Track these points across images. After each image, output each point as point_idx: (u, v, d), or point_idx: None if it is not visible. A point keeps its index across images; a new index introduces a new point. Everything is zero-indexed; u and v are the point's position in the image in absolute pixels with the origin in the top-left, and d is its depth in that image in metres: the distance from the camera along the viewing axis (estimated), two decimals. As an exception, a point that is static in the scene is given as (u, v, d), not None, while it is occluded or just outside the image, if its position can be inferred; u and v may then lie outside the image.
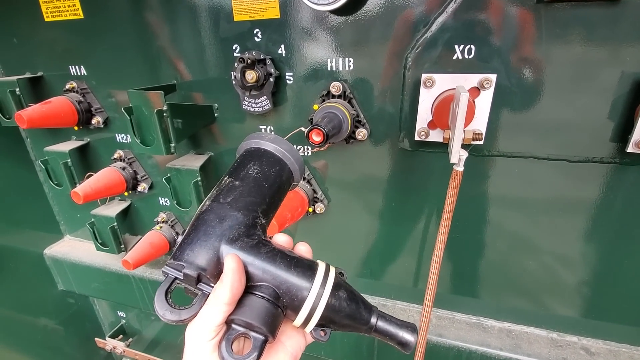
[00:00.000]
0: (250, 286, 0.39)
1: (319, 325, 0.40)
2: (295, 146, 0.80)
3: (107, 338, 1.30)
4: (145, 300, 1.12)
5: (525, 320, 0.80)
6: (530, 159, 0.67)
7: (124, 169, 0.96)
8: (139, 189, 0.98)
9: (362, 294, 0.87)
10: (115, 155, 0.97)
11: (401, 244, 0.83)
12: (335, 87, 0.70)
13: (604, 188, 0.66)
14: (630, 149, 0.58)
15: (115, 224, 0.99)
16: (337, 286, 0.40)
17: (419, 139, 0.68)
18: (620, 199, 0.66)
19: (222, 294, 0.37)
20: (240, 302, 0.38)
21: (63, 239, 1.24)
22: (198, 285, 0.39)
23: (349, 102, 0.71)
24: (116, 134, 0.97)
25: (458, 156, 0.54)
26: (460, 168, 0.58)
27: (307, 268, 0.40)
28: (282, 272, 0.39)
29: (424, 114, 0.66)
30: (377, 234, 0.84)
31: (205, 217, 0.42)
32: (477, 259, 0.79)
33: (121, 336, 1.32)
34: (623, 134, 0.60)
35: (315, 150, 0.77)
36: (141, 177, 0.98)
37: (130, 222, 1.09)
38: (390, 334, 0.42)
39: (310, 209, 0.83)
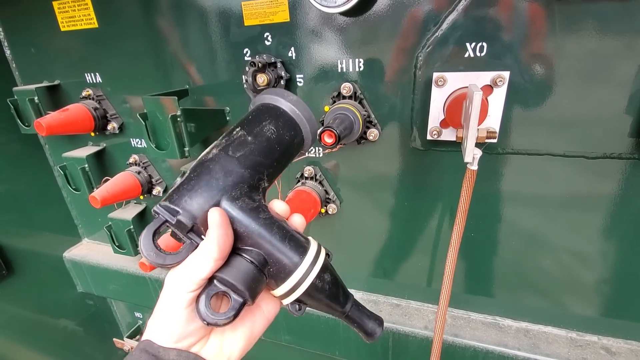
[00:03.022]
0: (240, 248, 0.38)
1: (297, 300, 0.41)
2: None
3: (125, 338, 1.33)
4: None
5: (543, 319, 0.79)
6: (546, 156, 0.66)
7: (139, 173, 0.98)
8: (154, 192, 1.00)
9: (376, 294, 0.88)
10: (131, 160, 0.99)
11: (414, 243, 0.83)
12: (346, 88, 0.70)
13: (623, 184, 0.64)
14: (650, 144, 0.57)
15: (132, 227, 1.01)
16: (324, 268, 0.41)
17: (431, 138, 0.67)
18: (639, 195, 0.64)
19: (211, 249, 0.36)
20: (228, 262, 0.37)
21: (81, 242, 1.27)
22: (188, 234, 0.38)
23: (360, 102, 0.71)
24: (131, 139, 0.99)
25: (472, 155, 0.53)
26: (475, 167, 0.57)
27: (300, 244, 0.41)
28: (276, 242, 0.39)
29: (435, 113, 0.66)
30: (390, 234, 0.84)
31: (210, 166, 0.40)
32: (493, 258, 0.79)
33: (138, 337, 1.35)
34: (641, 129, 0.59)
35: (327, 151, 0.78)
36: (156, 181, 1.00)
37: (142, 227, 1.11)
38: (359, 323, 0.44)
39: (323, 210, 0.83)
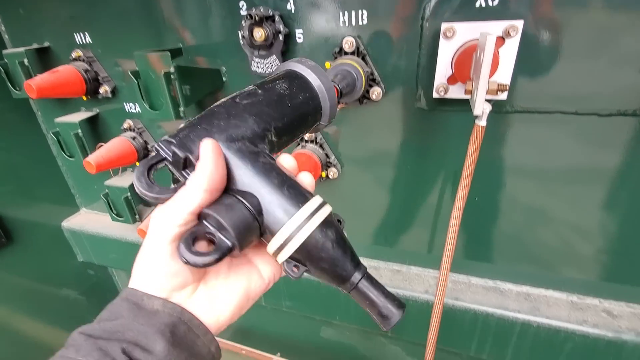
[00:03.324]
0: (236, 190, 0.36)
1: (296, 259, 0.37)
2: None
3: (127, 307, 1.35)
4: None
5: (544, 283, 0.79)
6: (557, 115, 0.63)
7: (134, 138, 0.95)
8: (150, 159, 0.98)
9: (377, 260, 0.86)
10: (125, 125, 0.96)
11: (416, 209, 0.82)
12: (348, 43, 0.67)
13: (634, 145, 0.62)
14: (669, 98, 0.54)
15: (129, 194, 0.99)
16: (327, 224, 0.37)
17: (437, 96, 0.64)
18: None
19: (198, 178, 0.33)
20: (219, 200, 0.35)
21: (79, 212, 1.26)
22: (183, 171, 0.36)
23: (363, 59, 0.68)
24: (124, 103, 0.95)
25: (482, 108, 0.51)
26: (483, 123, 0.55)
27: (300, 194, 0.37)
28: (273, 187, 0.36)
29: (443, 69, 0.62)
30: (392, 199, 0.82)
31: (214, 109, 0.39)
32: (495, 224, 0.77)
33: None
34: (660, 84, 0.56)
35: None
36: (152, 147, 0.97)
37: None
38: (372, 300, 0.37)
39: (323, 174, 0.81)
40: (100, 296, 1.40)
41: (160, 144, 0.36)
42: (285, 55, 0.72)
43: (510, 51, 0.58)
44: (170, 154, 0.35)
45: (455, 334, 0.82)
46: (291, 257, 0.37)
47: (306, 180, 0.40)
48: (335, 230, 0.37)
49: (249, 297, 0.40)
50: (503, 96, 0.61)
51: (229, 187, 0.36)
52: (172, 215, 0.33)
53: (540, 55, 0.59)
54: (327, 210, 0.38)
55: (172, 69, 0.70)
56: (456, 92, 0.63)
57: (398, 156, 0.77)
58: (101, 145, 0.95)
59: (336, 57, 0.69)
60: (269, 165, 0.37)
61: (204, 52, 0.80)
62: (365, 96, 0.70)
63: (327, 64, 0.69)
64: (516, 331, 0.75)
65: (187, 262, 0.33)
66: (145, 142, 0.97)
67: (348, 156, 0.81)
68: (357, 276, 0.37)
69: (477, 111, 0.51)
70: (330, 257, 0.36)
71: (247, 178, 0.36)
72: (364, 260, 0.91)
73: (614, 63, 0.57)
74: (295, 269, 0.37)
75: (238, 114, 0.39)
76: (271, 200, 0.36)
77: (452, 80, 0.63)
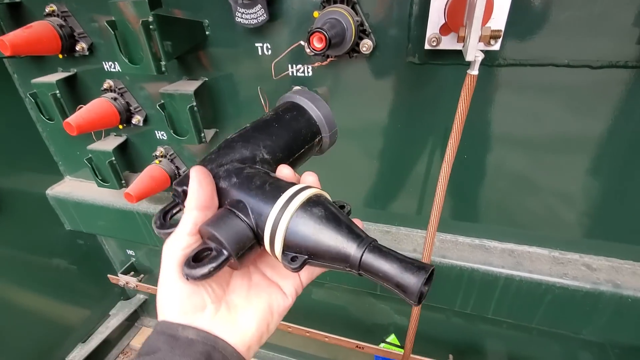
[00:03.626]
0: (228, 202, 0.38)
1: (294, 250, 0.35)
2: (295, 67, 0.75)
3: (119, 274, 1.35)
4: (153, 237, 1.13)
5: (528, 241, 0.81)
6: (549, 68, 0.62)
7: (115, 99, 0.91)
8: (134, 121, 0.94)
9: (366, 222, 0.86)
10: (105, 86, 0.92)
11: (407, 169, 0.81)
12: (337, -10, 0.63)
13: (625, 98, 0.61)
14: (662, 46, 0.53)
15: (113, 158, 0.97)
16: (311, 203, 0.35)
17: (429, 47, 0.62)
18: (634, 114, 0.62)
19: (188, 199, 0.37)
20: (213, 215, 0.37)
21: (64, 180, 1.23)
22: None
23: (353, 7, 0.64)
24: (103, 63, 0.91)
25: (474, 54, 0.49)
26: (475, 71, 0.53)
27: (281, 187, 0.37)
28: (255, 189, 0.37)
29: (435, 17, 0.60)
30: (383, 159, 0.82)
31: (216, 150, 0.45)
32: (483, 183, 0.78)
33: (132, 272, 1.37)
34: (654, 33, 0.55)
35: (316, 65, 0.72)
36: (135, 109, 0.94)
37: (129, 159, 1.07)
38: (384, 273, 0.32)
39: (312, 133, 0.79)
40: (91, 265, 1.40)
41: (175, 186, 0.41)
42: (271, 5, 0.69)
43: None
44: (174, 193, 0.40)
45: (441, 290, 0.85)
46: (288, 249, 0.35)
47: (310, 180, 0.42)
48: (323, 207, 0.35)
49: (272, 313, 0.40)
50: (496, 46, 0.59)
51: (222, 203, 0.39)
52: (175, 241, 0.36)
53: (534, 4, 0.57)
54: (310, 192, 0.36)
55: (150, 18, 0.66)
56: (448, 43, 0.61)
57: (389, 114, 0.75)
58: (81, 107, 0.91)
59: (325, 6, 0.65)
60: (252, 173, 0.39)
61: (184, 3, 0.76)
62: (355, 49, 0.68)
63: (316, 13, 0.66)
64: (499, 285, 0.78)
65: (188, 277, 0.34)
66: (128, 103, 0.93)
67: (337, 115, 0.79)
68: (359, 250, 0.33)
69: (469, 57, 0.49)
70: (319, 236, 0.34)
71: (234, 189, 0.38)
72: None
73: (607, 13, 0.55)
74: (293, 261, 0.35)
75: (227, 146, 0.45)
76: (255, 201, 0.37)
77: (444, 30, 0.61)
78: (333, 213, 0.35)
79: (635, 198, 0.68)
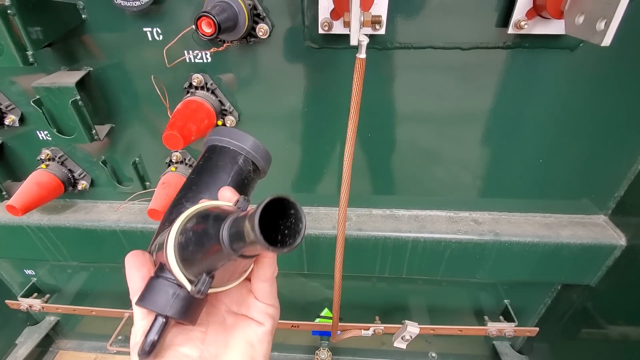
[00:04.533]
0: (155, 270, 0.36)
1: (195, 274, 0.31)
2: (192, 53, 0.71)
3: (19, 298, 1.18)
4: (52, 251, 1.00)
5: (430, 206, 0.91)
6: (429, 50, 0.69)
7: (-24, 97, 0.76)
8: (7, 122, 0.81)
9: None
10: (-41, 81, 0.77)
11: (318, 151, 0.84)
12: (225, -28, 0.61)
13: (492, 76, 0.71)
14: (511, 30, 0.63)
15: (-19, 161, 0.82)
16: (189, 221, 0.32)
17: (322, 31, 0.64)
18: (505, 87, 0.72)
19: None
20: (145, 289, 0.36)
21: None
22: None
23: (243, -10, 0.63)
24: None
25: (357, 38, 0.52)
26: (362, 55, 0.56)
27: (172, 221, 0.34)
28: (163, 235, 0.37)
29: (325, 2, 0.62)
30: (294, 144, 0.83)
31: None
32: (389, 158, 0.85)
33: (35, 294, 1.20)
34: (506, 18, 0.64)
35: (212, 51, 0.69)
36: (6, 108, 0.80)
37: (9, 167, 0.92)
38: (249, 238, 0.24)
39: (220, 122, 0.77)
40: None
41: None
42: (154, -14, 0.63)
43: (383, -16, 0.60)
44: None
45: (361, 260, 0.91)
46: (191, 274, 0.32)
47: (227, 196, 0.36)
48: (196, 217, 0.32)
49: (253, 346, 0.38)
50: (382, 31, 0.64)
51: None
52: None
53: (411, -11, 0.63)
54: (188, 212, 0.33)
55: (7, 2, 0.56)
56: (340, 27, 0.64)
57: (294, 99, 0.77)
58: None
59: (213, -11, 0.63)
60: (168, 225, 0.38)
61: (50, -17, 0.66)
62: (252, 34, 0.67)
63: (204, -4, 0.63)
64: (408, 248, 0.87)
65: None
66: (-6, 100, 0.79)
67: (244, 103, 0.78)
68: (224, 226, 0.27)
69: (353, 42, 0.52)
70: (194, 245, 0.31)
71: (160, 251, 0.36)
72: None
73: (472, 0, 0.63)
74: (195, 286, 0.30)
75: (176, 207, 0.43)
76: (162, 246, 0.34)
77: (334, 14, 0.63)
78: (203, 218, 0.31)
79: (508, 157, 0.81)
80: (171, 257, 0.32)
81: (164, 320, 0.33)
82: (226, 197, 0.36)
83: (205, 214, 0.32)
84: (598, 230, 0.87)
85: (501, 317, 1.08)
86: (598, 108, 0.74)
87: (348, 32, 0.64)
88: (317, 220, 0.90)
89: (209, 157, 0.45)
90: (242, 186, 0.45)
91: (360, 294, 1.12)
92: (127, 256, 0.38)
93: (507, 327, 1.03)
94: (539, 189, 0.86)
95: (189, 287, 0.32)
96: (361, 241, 0.88)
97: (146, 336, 0.32)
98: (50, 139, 0.84)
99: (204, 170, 0.44)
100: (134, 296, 0.36)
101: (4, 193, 0.89)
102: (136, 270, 0.37)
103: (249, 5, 0.63)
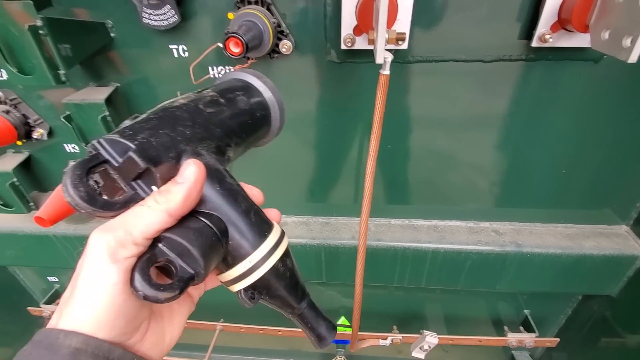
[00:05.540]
0: (198, 211, 0.32)
1: (251, 286, 0.35)
2: (216, 69, 0.72)
3: (41, 305, 1.21)
4: (76, 260, 1.03)
5: (449, 216, 0.91)
6: (450, 63, 0.69)
7: (8, 112, 0.79)
8: (36, 135, 0.83)
9: (306, 216, 0.87)
10: (-8, 97, 0.79)
11: (338, 162, 0.85)
12: (250, -9, 0.62)
13: (513, 86, 0.71)
14: (535, 43, 0.63)
15: (15, 179, 0.85)
16: (286, 254, 0.37)
17: (345, 47, 0.65)
18: (527, 98, 0.72)
19: (172, 200, 0.28)
20: (182, 222, 0.30)
21: (-47, 209, 1.04)
22: (135, 182, 0.30)
23: (268, 8, 0.64)
24: (-14, 71, 0.78)
25: (383, 57, 0.53)
26: (387, 71, 0.57)
27: (264, 222, 0.36)
28: (240, 213, 0.33)
29: (348, 19, 0.63)
30: (314, 155, 0.84)
31: (176, 112, 0.34)
32: (408, 169, 0.85)
33: (58, 301, 1.23)
34: (529, 30, 0.64)
35: (237, 68, 0.71)
36: (35, 122, 0.83)
37: (37, 177, 0.94)
38: (313, 325, 0.38)
39: (242, 136, 0.78)
40: (5, 299, 1.23)
41: (104, 142, 0.29)
42: (181, 5, 0.65)
43: (407, 1, 0.60)
44: (121, 160, 0.28)
45: (380, 270, 0.92)
46: (247, 286, 0.35)
47: (255, 194, 0.38)
48: (291, 260, 0.37)
49: (185, 316, 0.36)
50: (404, 45, 0.64)
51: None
52: (124, 238, 0.27)
53: (433, 6, 0.63)
54: (287, 240, 0.37)
55: (38, 22, 0.58)
56: (362, 43, 0.65)
57: (315, 111, 0.78)
58: (-38, 124, 0.77)
59: (239, 7, 0.64)
60: (236, 187, 0.35)
61: (81, 2, 0.68)
62: (275, 50, 0.68)
63: (230, 15, 0.64)
64: (428, 258, 0.87)
65: (146, 298, 0.27)
66: (25, 115, 0.81)
67: (266, 115, 0.79)
68: (303, 305, 0.38)
69: (378, 60, 0.53)
70: (285, 285, 0.36)
71: (215, 200, 0.32)
72: (295, 218, 0.94)
73: (494, 13, 0.63)
74: (251, 300, 0.34)
75: (203, 124, 0.35)
76: (238, 227, 0.33)
77: (357, 31, 0.64)
78: (295, 268, 0.38)
79: (529, 167, 0.81)
80: (256, 275, 0.34)
81: (192, 276, 0.30)
82: (253, 195, 0.37)
83: (293, 271, 0.37)
84: (620, 241, 0.86)
85: (521, 328, 1.07)
86: (620, 118, 0.73)
87: (370, 47, 0.66)
88: (336, 230, 0.91)
89: (244, 94, 0.43)
90: (250, 141, 0.43)
91: (377, 303, 1.12)
92: (201, 168, 0.31)
93: (528, 338, 1.02)
94: (560, 199, 0.85)
95: (238, 293, 0.35)
96: (380, 251, 0.88)
97: (177, 284, 0.28)
98: (77, 151, 0.87)
99: (234, 103, 0.41)
100: (176, 210, 0.29)
101: (31, 204, 0.91)
102: (199, 192, 0.31)
103: (274, 23, 0.64)
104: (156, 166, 0.29)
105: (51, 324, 0.27)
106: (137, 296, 0.27)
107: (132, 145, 0.29)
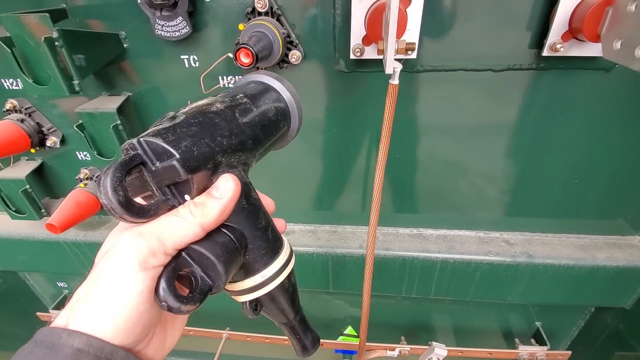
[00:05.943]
0: (224, 224, 0.32)
1: (257, 299, 0.36)
2: (227, 79, 0.73)
3: (50, 310, 1.22)
4: (86, 266, 1.04)
5: (458, 225, 0.90)
6: (460, 73, 0.69)
7: (22, 120, 0.81)
8: (49, 143, 0.85)
9: (314, 225, 0.87)
10: (8, 106, 0.81)
11: (346, 171, 0.85)
12: (261, 2, 0.63)
13: (522, 95, 0.71)
14: (546, 52, 0.62)
15: (28, 186, 0.86)
16: (292, 270, 0.39)
17: (354, 57, 0.65)
18: (537, 106, 0.72)
19: (207, 215, 0.29)
20: (215, 239, 0.31)
21: (-33, 214, 1.06)
22: (169, 188, 0.30)
23: (278, 19, 0.65)
24: (3, 80, 0.80)
25: (392, 67, 0.53)
26: (396, 81, 0.57)
27: (278, 238, 0.38)
28: (261, 228, 0.35)
29: (357, 29, 0.63)
30: (323, 164, 0.84)
31: (215, 120, 0.34)
32: (416, 177, 0.84)
33: (67, 306, 1.24)
34: (539, 40, 0.64)
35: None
36: (48, 130, 0.84)
37: (48, 184, 0.96)
38: (301, 336, 0.41)
39: (251, 144, 0.79)
40: (14, 305, 1.24)
41: (144, 143, 0.28)
42: (193, 16, 0.66)
43: (416, 10, 0.60)
44: (161, 165, 0.28)
45: (388, 280, 0.91)
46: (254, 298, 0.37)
47: (267, 202, 0.39)
48: (294, 276, 0.40)
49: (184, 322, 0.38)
50: (413, 55, 0.64)
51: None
52: (157, 247, 0.27)
53: (443, 15, 0.63)
54: (294, 258, 0.39)
55: (54, 34, 0.59)
56: (371, 53, 0.65)
57: (324, 120, 0.78)
58: (-22, 132, 0.79)
59: (249, 19, 0.65)
60: (258, 203, 0.36)
61: (95, 14, 0.70)
62: (285, 60, 0.68)
63: (241, 26, 0.65)
64: (437, 269, 0.86)
65: (169, 309, 0.27)
66: (38, 124, 0.83)
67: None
68: (298, 317, 0.40)
69: (388, 70, 0.53)
70: (287, 301, 0.38)
71: (240, 215, 0.33)
72: (302, 226, 0.94)
73: (504, 22, 0.63)
74: (254, 311, 0.36)
75: (238, 135, 0.35)
76: (258, 244, 0.34)
77: (366, 40, 0.64)
78: (295, 284, 0.40)
79: (540, 176, 0.80)
80: (265, 289, 0.36)
81: (211, 287, 0.31)
82: (266, 204, 0.38)
83: (294, 287, 0.39)
84: (634, 252, 0.84)
85: (532, 340, 1.04)
86: (632, 127, 0.72)
87: (379, 57, 0.66)
88: (343, 239, 0.91)
89: (273, 103, 0.43)
90: (271, 147, 0.44)
91: (385, 313, 1.10)
92: (237, 183, 0.32)
93: (539, 351, 1.00)
94: (572, 209, 0.84)
95: (244, 305, 0.36)
96: (388, 261, 0.87)
97: (198, 296, 0.29)
98: (89, 159, 0.88)
99: (272, 125, 0.41)
100: (210, 223, 0.30)
101: (43, 210, 0.93)
102: (233, 206, 0.32)
103: (283, 33, 0.65)
104: (194, 176, 0.30)
105: (58, 323, 0.27)
106: (161, 306, 0.27)
107: (177, 155, 0.28)
